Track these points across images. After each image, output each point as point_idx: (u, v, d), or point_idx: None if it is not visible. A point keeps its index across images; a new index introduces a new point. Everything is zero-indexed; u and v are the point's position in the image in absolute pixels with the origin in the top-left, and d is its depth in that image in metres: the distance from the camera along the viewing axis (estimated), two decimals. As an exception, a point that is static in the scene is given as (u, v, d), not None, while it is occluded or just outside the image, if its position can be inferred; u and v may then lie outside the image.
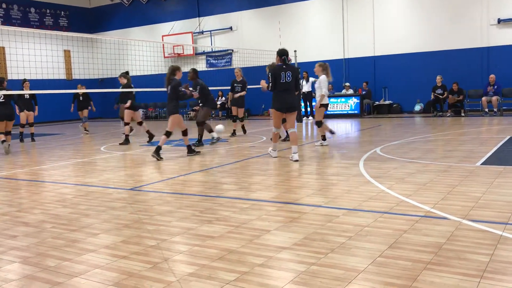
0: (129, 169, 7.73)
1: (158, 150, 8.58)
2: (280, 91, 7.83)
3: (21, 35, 20.42)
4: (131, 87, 12.09)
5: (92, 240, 3.95)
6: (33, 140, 13.66)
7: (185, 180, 6.53)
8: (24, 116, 13.58)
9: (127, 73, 12.79)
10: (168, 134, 8.70)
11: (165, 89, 8.91)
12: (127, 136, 11.85)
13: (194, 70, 10.47)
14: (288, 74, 7.83)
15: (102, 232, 4.16)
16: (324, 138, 9.50)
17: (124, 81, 12.17)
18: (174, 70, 8.88)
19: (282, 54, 7.96)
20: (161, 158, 8.55)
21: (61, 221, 4.60)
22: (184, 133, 8.99)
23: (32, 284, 3.07)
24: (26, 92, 12.94)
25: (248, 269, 3.13)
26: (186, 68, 23.71)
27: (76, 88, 17.06)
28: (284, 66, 7.85)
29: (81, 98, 15.70)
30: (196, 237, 3.87)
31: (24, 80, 13.58)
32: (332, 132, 9.71)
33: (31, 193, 6.17)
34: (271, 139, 8.54)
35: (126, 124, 11.98)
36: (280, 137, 9.57)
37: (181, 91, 8.82)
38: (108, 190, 6.09)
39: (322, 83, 9.27)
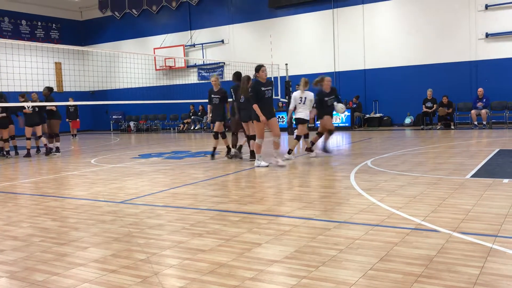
0: (119, 182, 7.68)
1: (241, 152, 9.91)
2: None
3: (11, 48, 20.33)
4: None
5: (81, 254, 3.90)
6: (12, 153, 13.36)
7: (176, 193, 6.50)
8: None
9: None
10: (253, 137, 9.34)
11: (154, 102, 8.97)
12: (44, 147, 12.95)
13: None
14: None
15: (92, 246, 4.11)
16: (309, 150, 9.85)
17: (21, 99, 13.18)
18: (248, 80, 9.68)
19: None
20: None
21: (50, 235, 4.55)
22: (252, 137, 9.43)
23: (19, 299, 3.02)
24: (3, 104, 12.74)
25: (238, 282, 3.10)
26: (178, 81, 23.87)
27: (67, 100, 17.00)
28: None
29: (36, 109, 13.07)
30: (187, 251, 3.84)
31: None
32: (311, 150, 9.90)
33: (20, 207, 6.10)
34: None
35: (28, 139, 12.90)
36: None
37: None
38: (98, 203, 6.04)
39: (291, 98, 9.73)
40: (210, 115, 10.33)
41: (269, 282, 3.10)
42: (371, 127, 18.52)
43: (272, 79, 8.75)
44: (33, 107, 12.82)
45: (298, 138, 9.70)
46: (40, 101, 13.10)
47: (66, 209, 5.77)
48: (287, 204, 5.47)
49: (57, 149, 13.34)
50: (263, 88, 8.41)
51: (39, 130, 13.18)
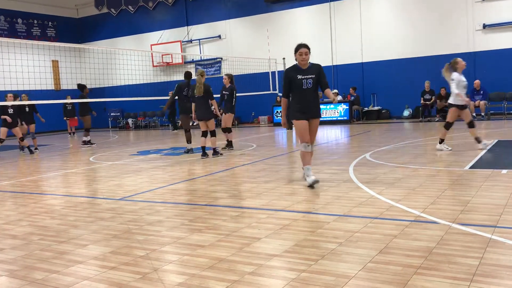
0: (118, 179, 7.67)
1: None
2: None
3: (7, 46, 20.27)
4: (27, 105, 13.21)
5: (81, 251, 3.90)
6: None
7: (175, 189, 6.49)
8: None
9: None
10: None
11: (152, 98, 9.04)
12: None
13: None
14: None
15: (91, 243, 4.11)
16: (479, 141, 8.53)
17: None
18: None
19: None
20: None
21: (49, 233, 4.54)
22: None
23: (19, 297, 3.02)
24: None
25: (238, 277, 3.10)
26: (175, 77, 23.82)
27: (64, 98, 16.93)
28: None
29: (27, 109, 13.50)
30: (186, 246, 3.84)
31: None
32: (478, 141, 8.53)
33: (19, 205, 6.09)
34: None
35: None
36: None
37: None
38: (97, 201, 6.03)
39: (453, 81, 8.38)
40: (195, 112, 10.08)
41: (268, 277, 3.10)
42: (369, 120, 18.51)
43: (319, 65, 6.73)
44: (19, 107, 13.01)
45: (448, 125, 8.68)
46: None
47: (66, 207, 5.76)
48: (286, 198, 5.46)
49: (30, 149, 13.26)
50: (299, 76, 6.30)
51: (32, 128, 13.37)
